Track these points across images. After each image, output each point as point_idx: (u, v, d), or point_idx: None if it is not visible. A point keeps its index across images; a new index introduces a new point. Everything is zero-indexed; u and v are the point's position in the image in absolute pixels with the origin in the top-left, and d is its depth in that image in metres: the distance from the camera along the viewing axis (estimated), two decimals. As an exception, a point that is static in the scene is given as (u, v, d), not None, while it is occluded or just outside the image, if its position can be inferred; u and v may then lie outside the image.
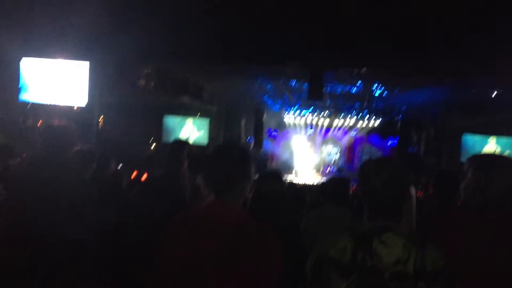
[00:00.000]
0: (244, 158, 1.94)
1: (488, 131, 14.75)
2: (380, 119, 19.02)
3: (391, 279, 1.61)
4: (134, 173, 5.20)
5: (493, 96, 13.59)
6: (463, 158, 14.93)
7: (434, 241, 1.70)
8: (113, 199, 3.47)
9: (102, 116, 12.60)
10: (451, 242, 1.82)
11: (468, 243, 1.96)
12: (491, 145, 14.76)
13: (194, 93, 14.41)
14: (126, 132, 13.27)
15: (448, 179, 3.20)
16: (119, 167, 7.04)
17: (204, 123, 16.37)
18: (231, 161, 1.90)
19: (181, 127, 16.28)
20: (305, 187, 6.73)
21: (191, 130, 16.20)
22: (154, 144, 15.99)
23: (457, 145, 15.06)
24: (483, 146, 14.80)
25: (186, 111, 16.37)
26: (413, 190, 2.80)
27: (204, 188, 1.89)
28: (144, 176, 5.26)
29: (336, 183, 3.61)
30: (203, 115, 16.45)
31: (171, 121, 16.40)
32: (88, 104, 10.86)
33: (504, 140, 14.71)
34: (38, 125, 10.20)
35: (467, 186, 2.14)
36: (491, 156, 2.19)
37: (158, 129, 15.99)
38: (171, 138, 15.99)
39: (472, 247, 1.94)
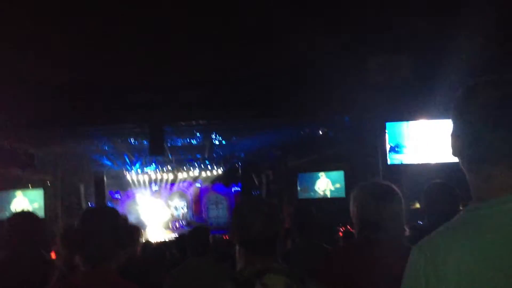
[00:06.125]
0: (116, 223, 1.89)
1: (318, 168, 16.18)
2: (222, 167, 19.64)
3: None
4: None
5: (319, 135, 15.11)
6: (300, 196, 16.18)
7: (312, 275, 1.78)
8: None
9: None
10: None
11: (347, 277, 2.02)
12: (323, 179, 16.22)
13: (24, 163, 13.10)
14: None
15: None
16: None
17: (38, 194, 14.88)
18: (106, 231, 1.83)
19: (11, 201, 14.54)
20: (161, 245, 6.58)
21: (23, 203, 14.55)
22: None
23: (294, 183, 16.22)
24: (315, 181, 16.22)
25: (17, 184, 14.76)
26: None
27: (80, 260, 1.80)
28: None
29: (197, 234, 3.62)
30: (36, 185, 15.00)
31: (-2, 196, 14.52)
32: None
33: (331, 173, 16.27)
34: None
35: (354, 216, 2.20)
36: (377, 185, 2.20)
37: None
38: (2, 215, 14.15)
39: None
